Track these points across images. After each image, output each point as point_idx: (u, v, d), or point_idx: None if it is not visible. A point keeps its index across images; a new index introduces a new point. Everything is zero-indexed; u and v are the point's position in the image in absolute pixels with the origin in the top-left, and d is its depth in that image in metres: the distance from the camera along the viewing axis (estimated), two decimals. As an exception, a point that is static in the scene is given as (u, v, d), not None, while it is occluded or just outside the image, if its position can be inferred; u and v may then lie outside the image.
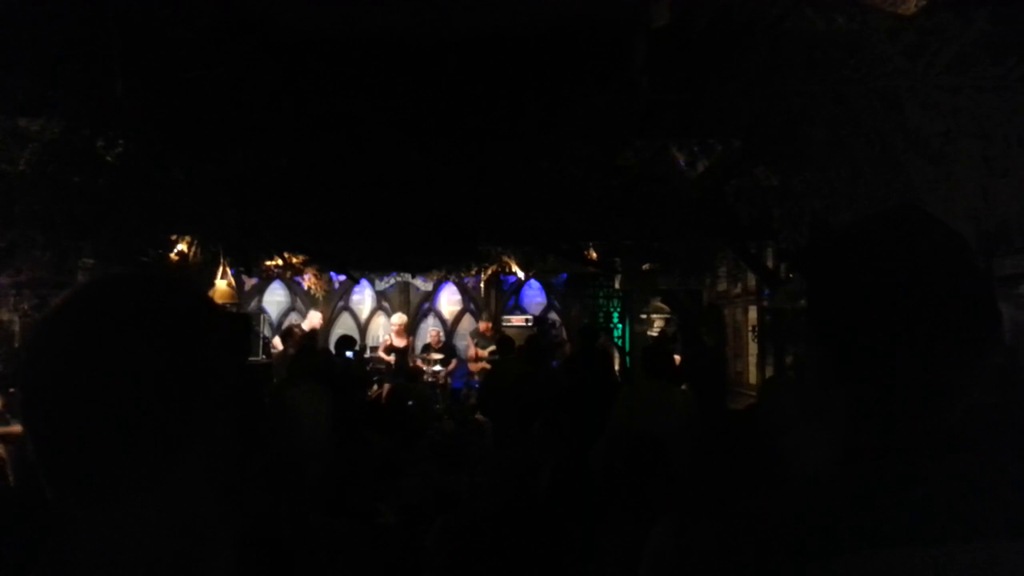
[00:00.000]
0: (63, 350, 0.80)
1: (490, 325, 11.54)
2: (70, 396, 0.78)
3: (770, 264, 6.55)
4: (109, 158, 3.94)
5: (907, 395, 0.93)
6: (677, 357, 8.99)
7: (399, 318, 11.70)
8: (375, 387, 9.83)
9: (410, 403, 8.73)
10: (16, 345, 7.62)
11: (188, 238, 7.33)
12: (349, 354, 9.56)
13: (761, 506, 0.95)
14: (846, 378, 0.97)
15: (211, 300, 1.00)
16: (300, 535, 4.41)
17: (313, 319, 11.06)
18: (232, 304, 9.87)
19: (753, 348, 8.41)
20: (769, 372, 7.68)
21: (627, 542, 3.72)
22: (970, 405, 0.96)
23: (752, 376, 8.55)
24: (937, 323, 0.91)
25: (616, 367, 10.16)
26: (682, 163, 5.00)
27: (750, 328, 8.29)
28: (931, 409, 0.93)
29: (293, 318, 12.21)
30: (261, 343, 10.84)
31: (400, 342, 11.14)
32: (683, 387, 6.57)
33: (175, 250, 7.37)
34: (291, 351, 9.42)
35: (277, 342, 10.33)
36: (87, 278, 7.81)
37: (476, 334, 11.63)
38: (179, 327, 0.85)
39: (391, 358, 10.88)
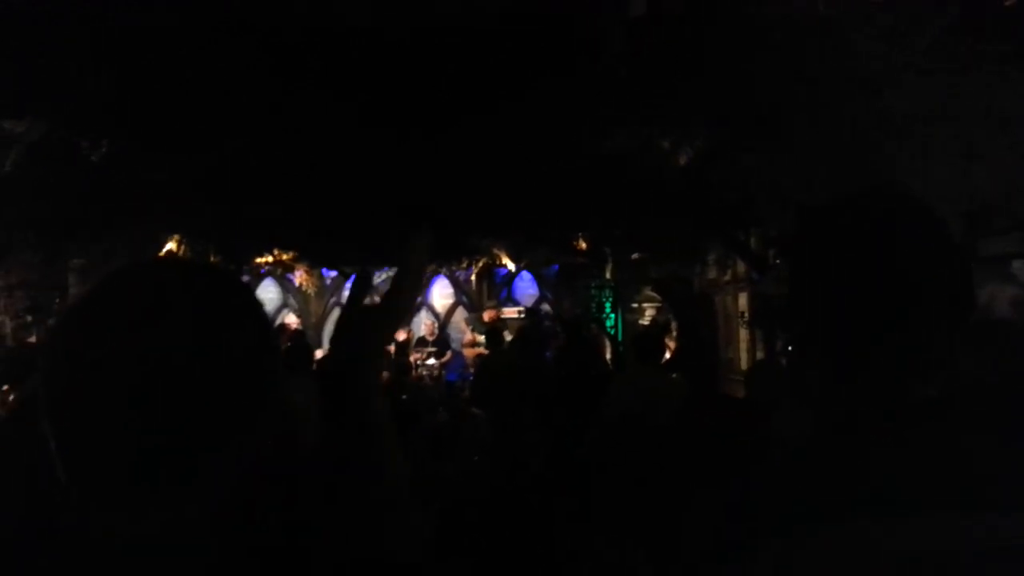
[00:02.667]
0: (89, 344, 0.74)
1: (495, 315, 11.55)
2: (98, 392, 0.71)
3: (757, 250, 6.58)
4: (93, 158, 3.94)
5: (881, 368, 0.95)
6: (671, 345, 9.03)
7: (397, 313, 11.70)
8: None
9: (404, 397, 8.74)
10: (8, 344, 7.63)
11: (176, 236, 7.33)
12: None
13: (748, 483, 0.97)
14: (824, 353, 1.00)
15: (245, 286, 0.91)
16: (294, 523, 4.42)
17: (290, 320, 11.15)
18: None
19: (744, 334, 8.45)
20: (759, 357, 7.73)
21: (620, 528, 3.76)
22: (967, 383, 0.97)
23: (743, 362, 8.59)
24: (911, 299, 0.94)
25: (608, 356, 10.19)
26: (667, 148, 5.02)
27: (740, 314, 8.33)
28: (906, 381, 0.95)
29: (285, 315, 12.21)
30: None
31: (400, 335, 11.17)
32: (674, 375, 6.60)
33: (164, 249, 7.38)
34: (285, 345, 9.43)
35: None
36: (77, 280, 7.83)
37: (474, 320, 11.61)
38: (212, 316, 0.78)
39: (391, 350, 10.91)
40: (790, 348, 5.86)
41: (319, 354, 10.62)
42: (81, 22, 3.34)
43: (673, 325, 9.31)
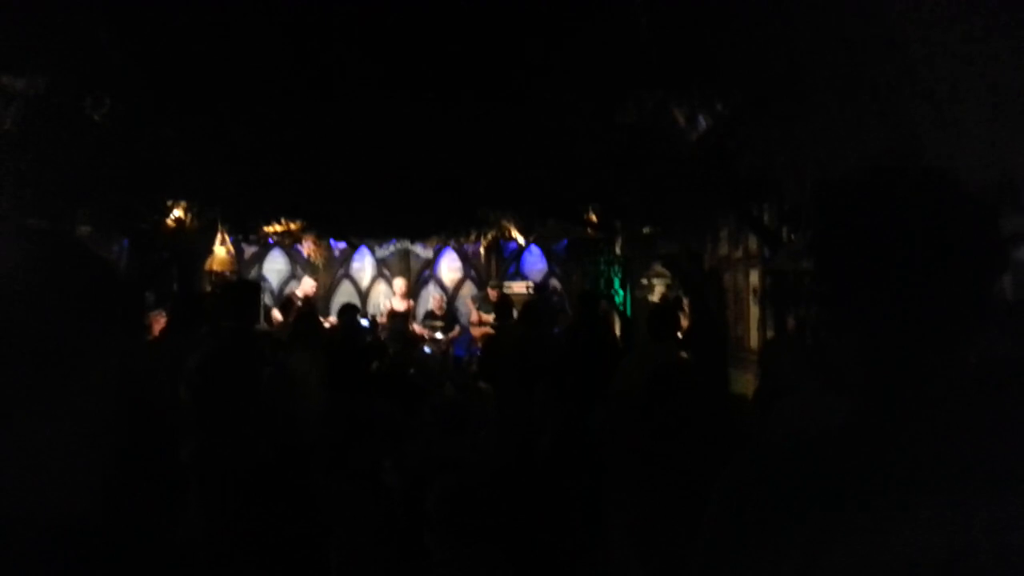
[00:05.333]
0: None
1: (498, 292, 11.50)
2: None
3: (771, 225, 6.46)
4: (96, 117, 3.85)
5: (910, 345, 0.92)
6: (684, 322, 8.96)
7: (399, 283, 11.66)
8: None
9: (412, 371, 8.70)
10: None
11: (184, 203, 7.26)
12: (365, 322, 9.64)
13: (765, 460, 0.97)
14: (852, 330, 0.97)
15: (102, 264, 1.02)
16: (302, 493, 4.39)
17: (306, 285, 11.04)
18: (230, 272, 9.86)
19: (755, 312, 8.35)
20: (771, 334, 7.63)
21: (630, 505, 3.70)
22: (990, 358, 0.98)
23: (753, 340, 8.50)
24: (940, 274, 0.91)
25: (618, 333, 10.12)
26: (682, 119, 4.90)
27: (751, 291, 8.23)
28: (935, 361, 0.92)
29: (294, 287, 12.16)
30: (263, 311, 10.81)
31: (400, 306, 11.11)
32: (684, 353, 6.54)
33: (171, 216, 7.31)
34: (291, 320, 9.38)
35: (276, 314, 10.27)
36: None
37: (480, 298, 11.56)
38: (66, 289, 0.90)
39: (388, 322, 10.87)
40: (814, 328, 5.77)
41: (332, 319, 10.63)
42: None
43: (685, 301, 9.25)
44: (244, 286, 6.28)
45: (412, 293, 12.05)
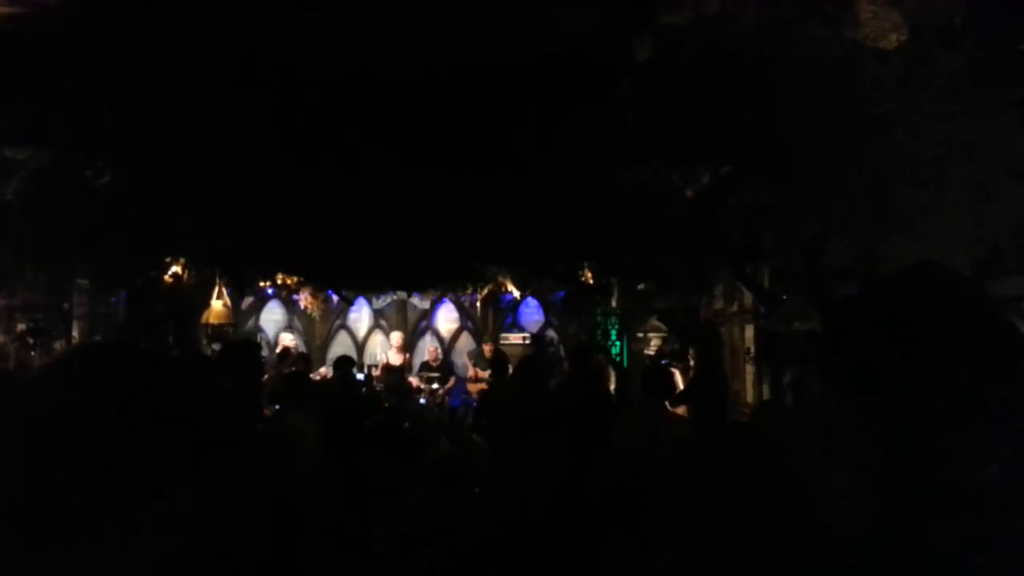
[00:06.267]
0: (40, 415, 0.86)
1: (493, 347, 11.50)
2: (42, 459, 0.84)
3: (766, 284, 6.52)
4: (98, 184, 3.92)
5: (936, 452, 0.92)
6: (678, 376, 8.95)
7: (397, 336, 11.66)
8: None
9: (406, 424, 8.66)
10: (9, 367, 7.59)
11: (182, 260, 7.32)
12: (360, 376, 9.63)
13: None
14: (875, 433, 0.97)
15: (184, 368, 1.04)
16: (291, 561, 4.36)
17: (289, 342, 11.10)
18: (228, 324, 9.86)
19: (750, 367, 8.37)
20: (766, 391, 7.64)
21: (627, 566, 3.68)
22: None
23: (749, 395, 8.50)
24: (964, 379, 0.90)
25: (613, 386, 10.11)
26: (677, 181, 4.98)
27: (746, 348, 8.26)
28: (961, 467, 0.92)
29: (290, 338, 12.14)
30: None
31: (397, 360, 11.09)
32: (681, 409, 6.55)
33: (169, 272, 7.36)
34: (286, 371, 9.34)
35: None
36: (82, 300, 7.79)
37: (476, 355, 11.56)
38: (150, 401, 0.90)
39: (384, 375, 10.84)
40: (800, 390, 5.79)
41: (323, 371, 10.60)
42: (89, 50, 3.33)
43: (691, 353, 9.24)
44: (243, 347, 6.29)
45: (409, 345, 12.05)
